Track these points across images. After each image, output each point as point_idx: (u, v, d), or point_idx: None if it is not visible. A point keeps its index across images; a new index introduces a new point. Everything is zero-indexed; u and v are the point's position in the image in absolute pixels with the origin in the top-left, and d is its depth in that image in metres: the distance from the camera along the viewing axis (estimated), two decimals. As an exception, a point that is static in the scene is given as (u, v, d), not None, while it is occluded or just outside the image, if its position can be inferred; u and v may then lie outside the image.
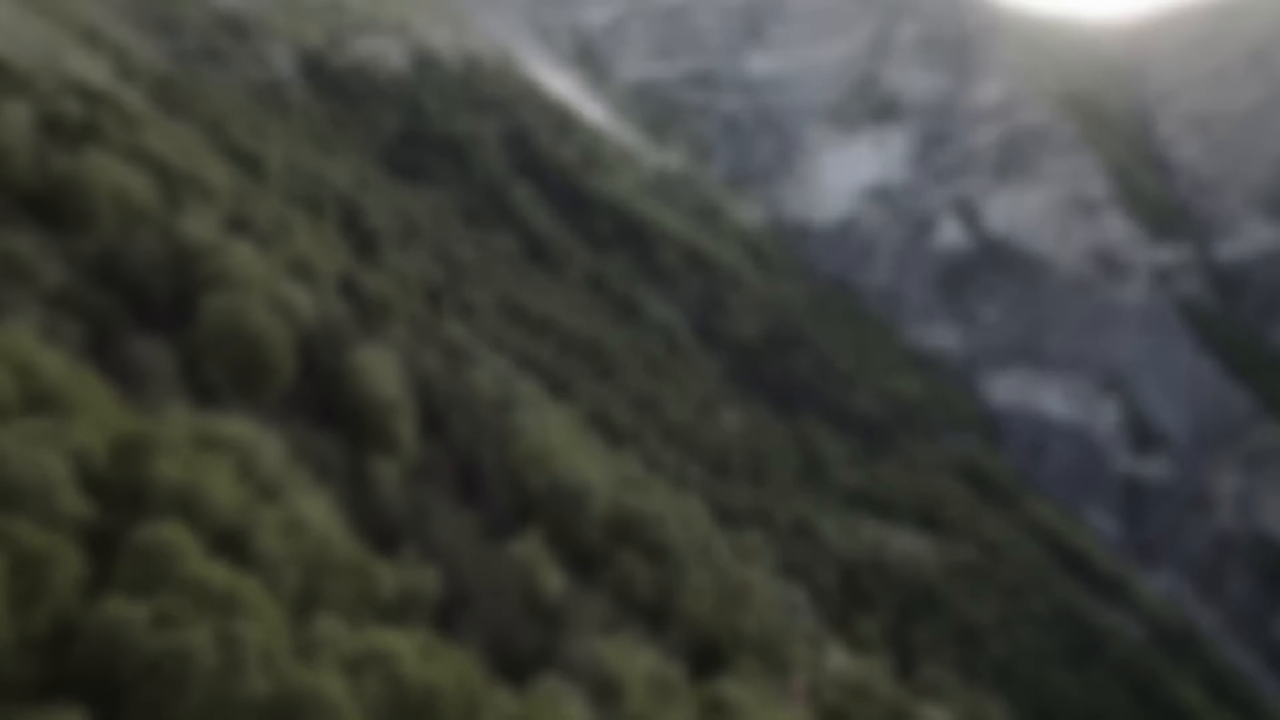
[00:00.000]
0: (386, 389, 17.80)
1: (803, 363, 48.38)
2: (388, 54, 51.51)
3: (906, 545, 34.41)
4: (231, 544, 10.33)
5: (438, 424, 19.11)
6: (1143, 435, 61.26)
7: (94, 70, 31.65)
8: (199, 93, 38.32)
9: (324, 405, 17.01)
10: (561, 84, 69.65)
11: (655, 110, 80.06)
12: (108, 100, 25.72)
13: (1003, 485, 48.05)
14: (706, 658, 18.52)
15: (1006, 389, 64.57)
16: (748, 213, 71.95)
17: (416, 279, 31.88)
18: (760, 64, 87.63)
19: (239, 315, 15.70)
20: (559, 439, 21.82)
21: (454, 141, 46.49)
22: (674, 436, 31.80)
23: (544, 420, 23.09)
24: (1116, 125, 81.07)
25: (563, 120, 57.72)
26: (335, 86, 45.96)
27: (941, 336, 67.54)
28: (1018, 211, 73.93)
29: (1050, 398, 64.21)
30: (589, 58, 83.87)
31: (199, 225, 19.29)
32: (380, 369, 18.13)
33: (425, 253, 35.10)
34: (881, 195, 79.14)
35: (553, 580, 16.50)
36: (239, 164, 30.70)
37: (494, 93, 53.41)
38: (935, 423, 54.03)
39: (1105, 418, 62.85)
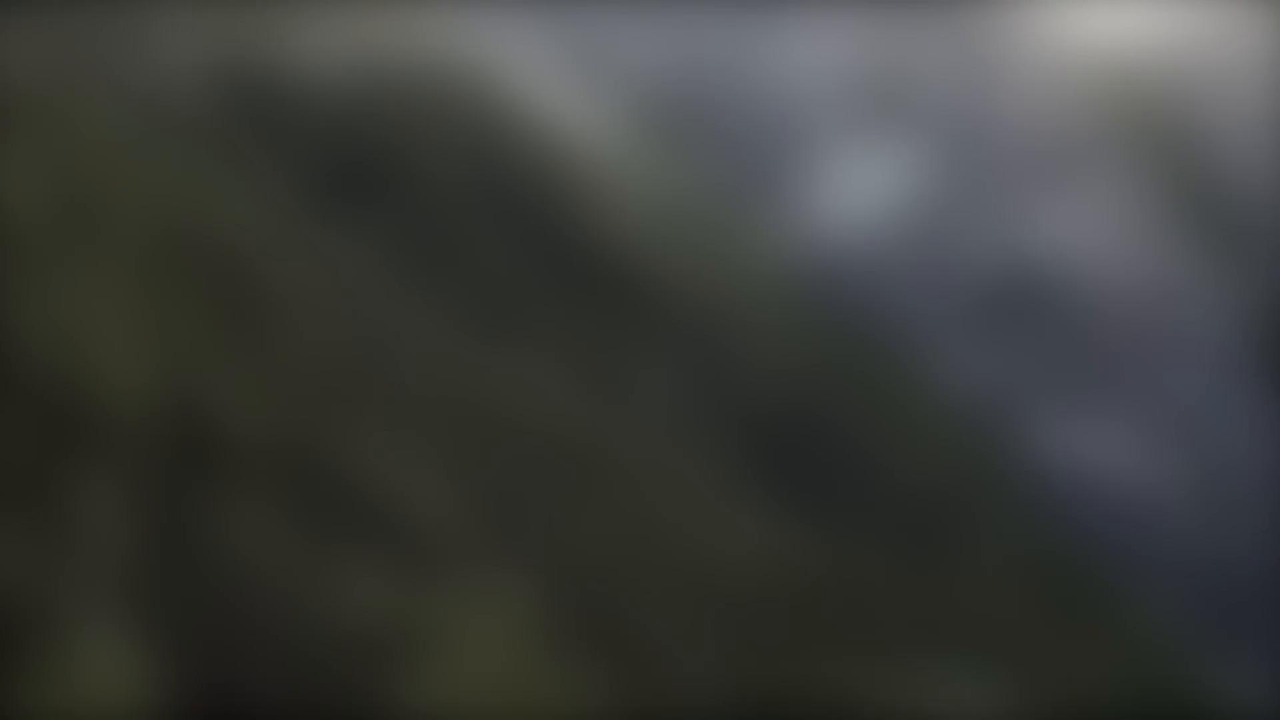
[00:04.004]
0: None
1: (824, 432, 41.95)
2: (327, 60, 44.47)
3: (973, 711, 26.97)
4: None
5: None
6: (1217, 497, 54.51)
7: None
8: (65, 107, 31.27)
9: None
10: (544, 94, 63.31)
11: (652, 119, 73.99)
12: None
13: (1067, 584, 41.41)
14: None
15: (1051, 440, 58.13)
16: (753, 238, 65.60)
17: (319, 365, 24.23)
18: (766, 65, 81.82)
19: None
20: (477, 697, 13.57)
21: (404, 168, 39.47)
22: (672, 595, 24.31)
23: (459, 647, 14.90)
24: (1174, 130, 74.81)
25: (540, 139, 51.09)
26: (256, 100, 38.93)
27: (975, 379, 61.26)
28: (1060, 231, 67.81)
29: (1103, 451, 57.73)
30: (576, 62, 77.73)
31: None
32: (109, 653, 9.92)
33: (343, 322, 27.45)
34: (903, 213, 72.65)
35: None
36: (70, 211, 23.46)
37: (458, 107, 46.65)
38: (981, 492, 47.48)
39: (1169, 474, 56.13)
